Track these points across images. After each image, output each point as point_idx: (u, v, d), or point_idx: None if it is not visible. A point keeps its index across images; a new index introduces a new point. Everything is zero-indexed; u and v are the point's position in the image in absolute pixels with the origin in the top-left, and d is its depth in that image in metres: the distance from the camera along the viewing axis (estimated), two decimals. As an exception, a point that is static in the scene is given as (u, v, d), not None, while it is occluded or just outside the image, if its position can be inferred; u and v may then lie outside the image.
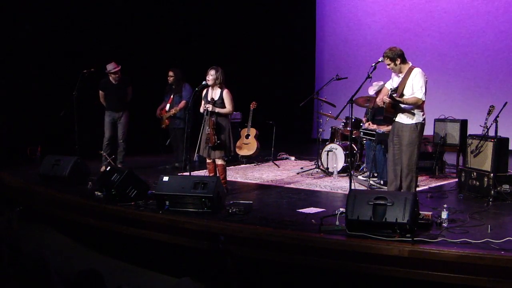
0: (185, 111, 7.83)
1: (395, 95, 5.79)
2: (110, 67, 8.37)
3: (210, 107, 6.52)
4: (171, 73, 8.63)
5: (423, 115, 5.89)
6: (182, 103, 8.42)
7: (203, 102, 6.72)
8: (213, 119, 6.51)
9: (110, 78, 8.43)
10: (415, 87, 5.79)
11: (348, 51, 12.66)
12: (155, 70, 10.73)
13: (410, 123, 5.86)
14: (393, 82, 6.06)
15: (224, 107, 6.58)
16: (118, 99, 8.46)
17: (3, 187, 7.64)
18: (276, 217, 5.58)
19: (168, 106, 8.66)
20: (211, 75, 6.56)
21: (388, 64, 5.88)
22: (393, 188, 5.99)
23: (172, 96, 8.64)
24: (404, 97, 5.83)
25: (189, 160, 7.54)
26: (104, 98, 8.52)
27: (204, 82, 6.62)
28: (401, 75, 5.92)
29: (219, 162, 6.67)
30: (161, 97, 8.99)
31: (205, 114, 6.61)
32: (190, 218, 5.56)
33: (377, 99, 6.06)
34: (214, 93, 6.62)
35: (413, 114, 5.84)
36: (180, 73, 8.62)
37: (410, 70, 5.87)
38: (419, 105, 5.84)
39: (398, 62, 5.85)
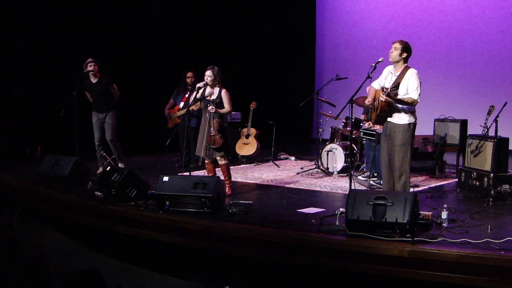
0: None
1: (397, 91, 5.70)
2: (87, 61, 7.98)
3: (213, 109, 6.47)
4: (190, 74, 8.72)
5: (415, 115, 5.86)
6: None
7: (200, 102, 6.67)
8: (217, 120, 6.49)
9: (90, 77, 8.05)
10: (410, 88, 5.71)
11: (348, 51, 12.67)
12: (156, 70, 10.75)
13: (403, 123, 5.78)
14: (385, 80, 5.92)
15: (222, 107, 6.56)
16: (99, 99, 8.10)
17: (3, 187, 7.63)
18: (276, 217, 5.58)
19: (182, 104, 8.64)
20: (208, 76, 6.53)
21: (395, 49, 5.78)
22: (387, 189, 5.94)
23: (187, 96, 8.62)
24: (399, 97, 5.76)
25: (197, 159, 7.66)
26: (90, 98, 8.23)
27: (203, 82, 6.61)
28: (395, 74, 5.84)
29: (222, 162, 6.64)
30: (164, 96, 8.98)
31: (206, 115, 6.56)
32: (190, 218, 5.55)
33: (366, 100, 6.00)
34: (213, 93, 6.59)
35: (407, 114, 5.77)
36: (196, 74, 8.67)
37: (405, 70, 5.78)
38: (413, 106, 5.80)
39: (404, 56, 5.78)
